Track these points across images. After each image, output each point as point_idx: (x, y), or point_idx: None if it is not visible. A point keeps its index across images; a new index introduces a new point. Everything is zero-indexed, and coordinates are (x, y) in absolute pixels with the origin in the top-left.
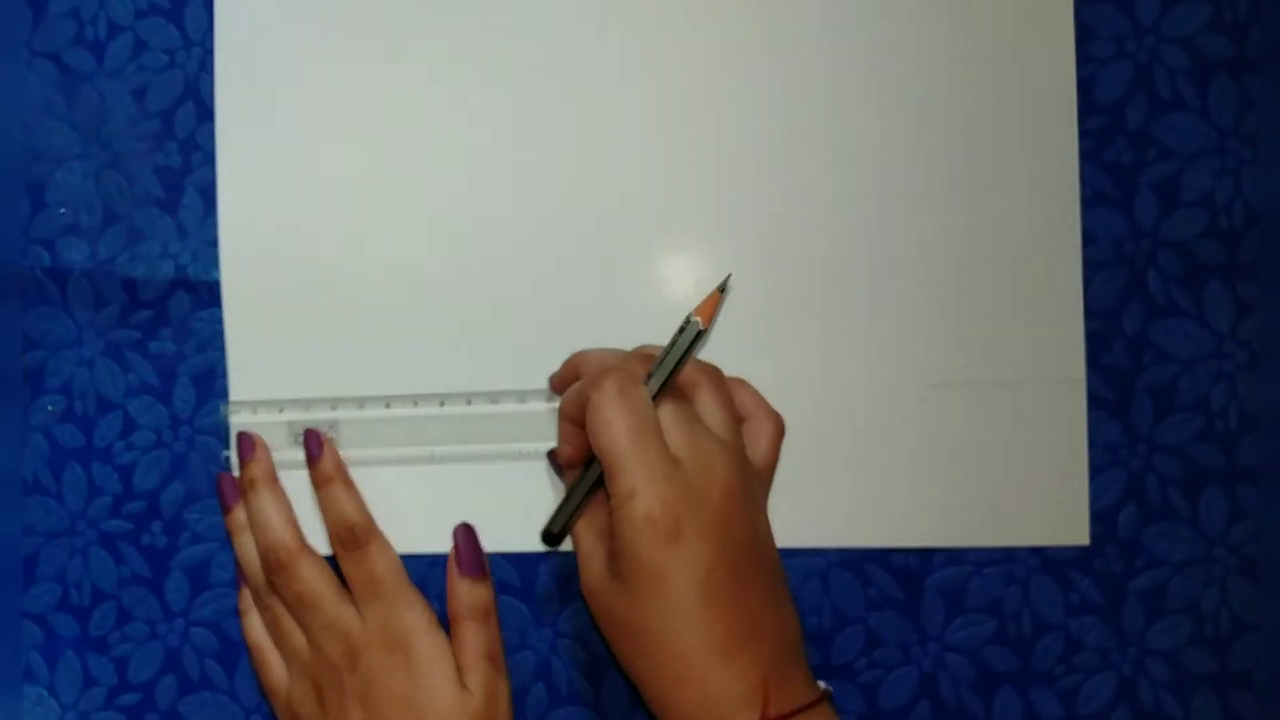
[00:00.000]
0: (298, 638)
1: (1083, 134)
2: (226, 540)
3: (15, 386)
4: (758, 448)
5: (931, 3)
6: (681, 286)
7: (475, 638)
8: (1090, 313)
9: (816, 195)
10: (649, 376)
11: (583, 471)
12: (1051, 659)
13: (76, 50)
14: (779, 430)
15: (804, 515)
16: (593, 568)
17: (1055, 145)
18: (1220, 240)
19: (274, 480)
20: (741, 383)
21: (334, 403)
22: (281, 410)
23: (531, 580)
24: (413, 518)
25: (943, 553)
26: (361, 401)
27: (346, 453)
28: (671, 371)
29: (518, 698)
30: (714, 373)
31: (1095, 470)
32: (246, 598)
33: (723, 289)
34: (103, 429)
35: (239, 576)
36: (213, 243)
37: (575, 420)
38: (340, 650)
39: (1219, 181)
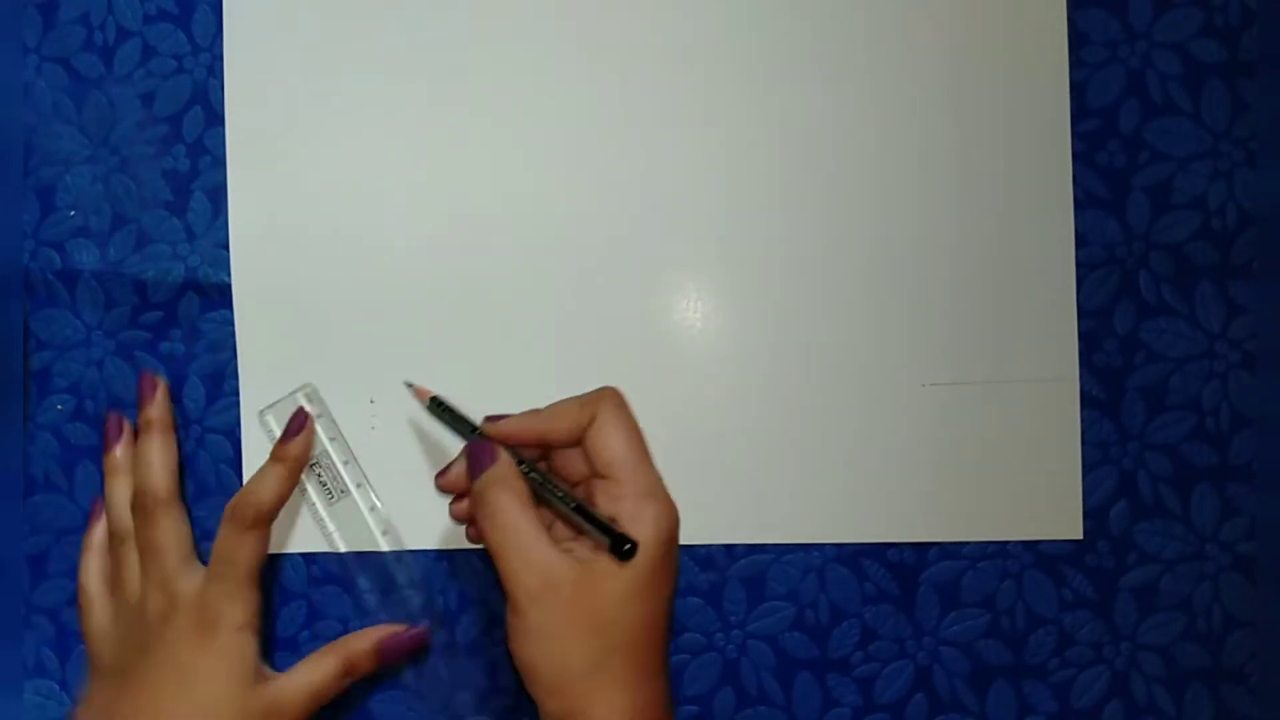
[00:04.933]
0: (134, 586)
1: (1076, 137)
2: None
3: (16, 386)
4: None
5: (926, 8)
6: (682, 289)
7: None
8: (1083, 313)
9: (814, 198)
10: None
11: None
12: (1045, 653)
13: (85, 55)
14: (662, 515)
15: (801, 511)
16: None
17: (1048, 148)
18: (1212, 242)
19: (170, 429)
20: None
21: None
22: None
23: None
24: (416, 517)
25: (938, 547)
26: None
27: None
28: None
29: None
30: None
31: (1088, 467)
32: (91, 537)
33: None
34: None
35: (92, 516)
36: (221, 245)
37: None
38: (162, 608)
39: (1212, 184)
